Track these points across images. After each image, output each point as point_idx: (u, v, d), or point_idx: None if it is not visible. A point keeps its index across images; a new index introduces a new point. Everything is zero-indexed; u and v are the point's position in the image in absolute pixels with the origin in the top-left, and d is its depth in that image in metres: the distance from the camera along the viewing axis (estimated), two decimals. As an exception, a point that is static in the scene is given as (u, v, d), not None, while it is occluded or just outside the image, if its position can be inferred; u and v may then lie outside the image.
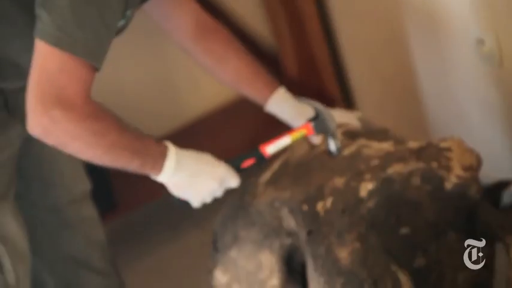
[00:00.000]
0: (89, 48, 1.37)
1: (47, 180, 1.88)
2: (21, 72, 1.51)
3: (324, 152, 1.60)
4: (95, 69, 1.40)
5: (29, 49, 1.41)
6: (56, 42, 1.35)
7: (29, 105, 1.36)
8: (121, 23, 1.49)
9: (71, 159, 1.90)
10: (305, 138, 1.64)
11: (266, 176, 1.64)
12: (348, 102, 2.75)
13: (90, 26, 1.37)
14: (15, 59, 1.55)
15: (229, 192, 1.67)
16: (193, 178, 1.51)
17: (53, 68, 1.36)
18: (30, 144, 1.76)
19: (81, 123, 1.37)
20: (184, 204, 1.56)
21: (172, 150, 1.49)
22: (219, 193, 1.54)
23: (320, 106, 1.60)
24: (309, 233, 1.44)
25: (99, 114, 1.41)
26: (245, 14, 2.85)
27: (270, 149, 1.57)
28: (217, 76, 1.75)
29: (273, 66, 2.70)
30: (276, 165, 1.65)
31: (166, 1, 1.69)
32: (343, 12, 2.60)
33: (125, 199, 2.56)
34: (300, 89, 2.71)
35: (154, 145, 1.48)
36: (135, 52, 2.69)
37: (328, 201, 1.46)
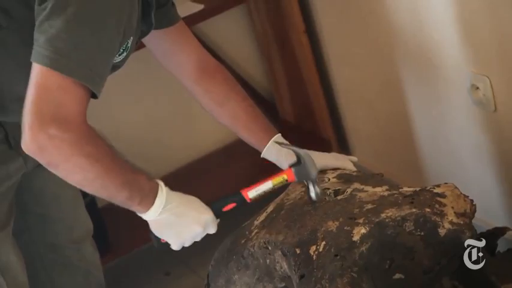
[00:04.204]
0: (85, 71, 1.37)
1: (48, 216, 1.87)
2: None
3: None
4: (91, 92, 1.40)
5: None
6: (52, 64, 1.35)
7: (26, 122, 1.36)
8: (122, 55, 1.50)
9: (73, 196, 1.91)
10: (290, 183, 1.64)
11: (260, 218, 1.63)
12: (342, 146, 2.76)
13: (86, 48, 1.37)
14: (18, 93, 1.56)
15: (223, 235, 1.67)
16: (178, 220, 1.50)
17: (50, 86, 1.36)
18: (32, 179, 1.77)
19: (76, 143, 1.36)
20: (164, 245, 1.55)
21: (163, 189, 1.49)
22: (199, 238, 1.54)
23: (304, 152, 1.59)
24: (301, 277, 1.44)
25: (94, 138, 1.40)
26: (242, 59, 2.87)
27: (252, 193, 1.58)
28: (216, 117, 1.76)
29: (269, 111, 2.71)
30: (270, 208, 1.65)
31: (170, 39, 1.70)
32: (339, 57, 2.62)
33: (119, 242, 2.55)
34: (295, 133, 2.74)
35: (145, 181, 1.48)
36: (131, 95, 2.70)
37: (321, 245, 1.46)
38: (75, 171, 1.40)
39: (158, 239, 1.54)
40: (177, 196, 1.51)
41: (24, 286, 1.75)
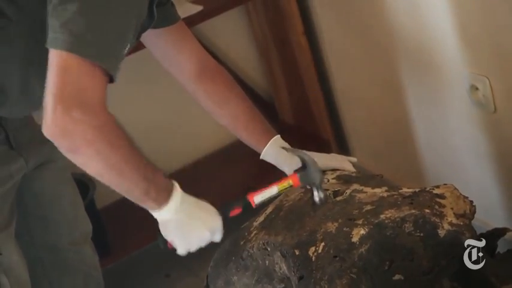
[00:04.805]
0: (102, 53, 1.35)
1: (48, 218, 1.87)
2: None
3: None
4: (109, 75, 1.38)
5: (25, 76, 1.39)
6: (68, 47, 1.33)
7: (49, 104, 1.33)
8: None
9: (73, 198, 1.90)
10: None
11: (259, 219, 1.63)
12: (342, 147, 2.76)
13: (102, 31, 1.35)
14: (19, 87, 1.54)
15: (222, 237, 1.66)
16: (189, 221, 1.49)
17: (70, 69, 1.33)
18: (33, 181, 1.77)
19: (100, 129, 1.34)
20: (170, 248, 1.53)
21: (178, 188, 1.48)
22: (205, 243, 1.52)
23: (308, 157, 1.59)
24: (301, 278, 1.43)
25: (115, 126, 1.38)
26: (241, 61, 2.87)
27: (257, 198, 1.57)
28: (216, 118, 1.76)
29: (268, 112, 2.71)
30: (269, 209, 1.65)
31: (170, 39, 1.70)
32: (338, 58, 2.62)
33: (119, 244, 2.55)
34: (294, 135, 2.74)
35: (161, 177, 1.46)
36: (129, 96, 2.70)
37: (320, 246, 1.46)
38: (95, 158, 1.36)
39: (165, 242, 1.52)
40: (191, 198, 1.50)
41: (27, 285, 1.76)
